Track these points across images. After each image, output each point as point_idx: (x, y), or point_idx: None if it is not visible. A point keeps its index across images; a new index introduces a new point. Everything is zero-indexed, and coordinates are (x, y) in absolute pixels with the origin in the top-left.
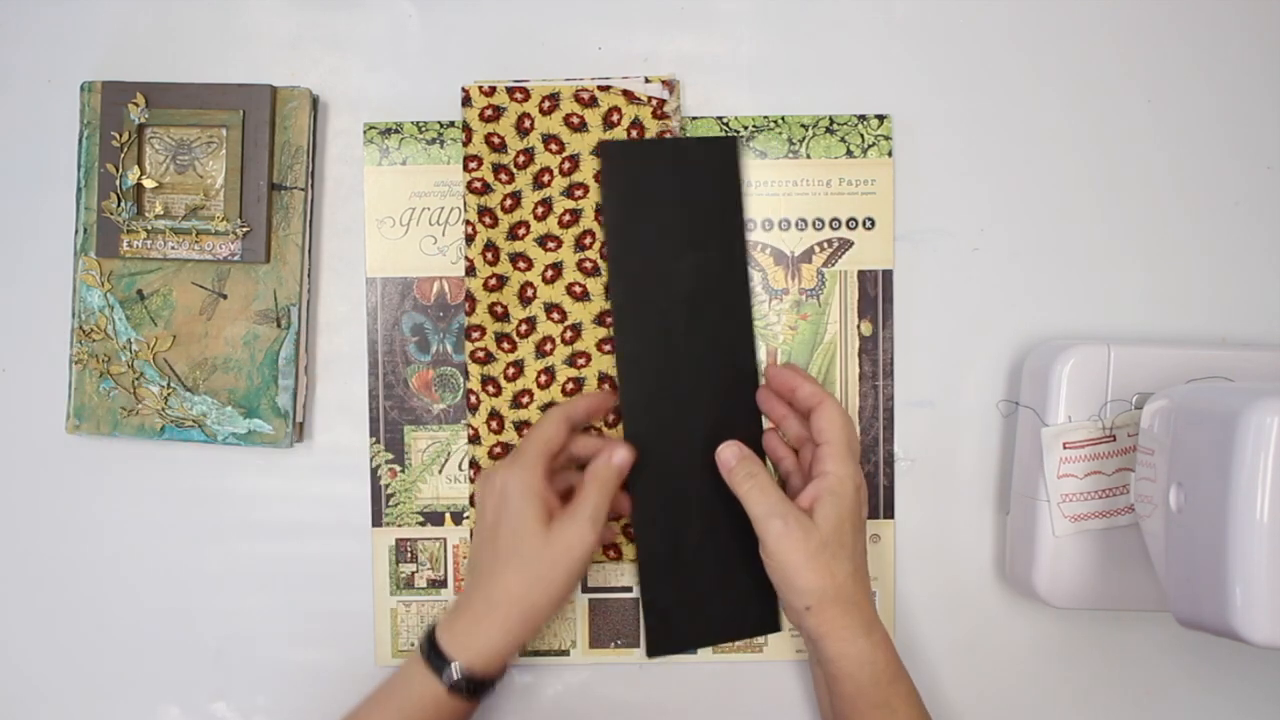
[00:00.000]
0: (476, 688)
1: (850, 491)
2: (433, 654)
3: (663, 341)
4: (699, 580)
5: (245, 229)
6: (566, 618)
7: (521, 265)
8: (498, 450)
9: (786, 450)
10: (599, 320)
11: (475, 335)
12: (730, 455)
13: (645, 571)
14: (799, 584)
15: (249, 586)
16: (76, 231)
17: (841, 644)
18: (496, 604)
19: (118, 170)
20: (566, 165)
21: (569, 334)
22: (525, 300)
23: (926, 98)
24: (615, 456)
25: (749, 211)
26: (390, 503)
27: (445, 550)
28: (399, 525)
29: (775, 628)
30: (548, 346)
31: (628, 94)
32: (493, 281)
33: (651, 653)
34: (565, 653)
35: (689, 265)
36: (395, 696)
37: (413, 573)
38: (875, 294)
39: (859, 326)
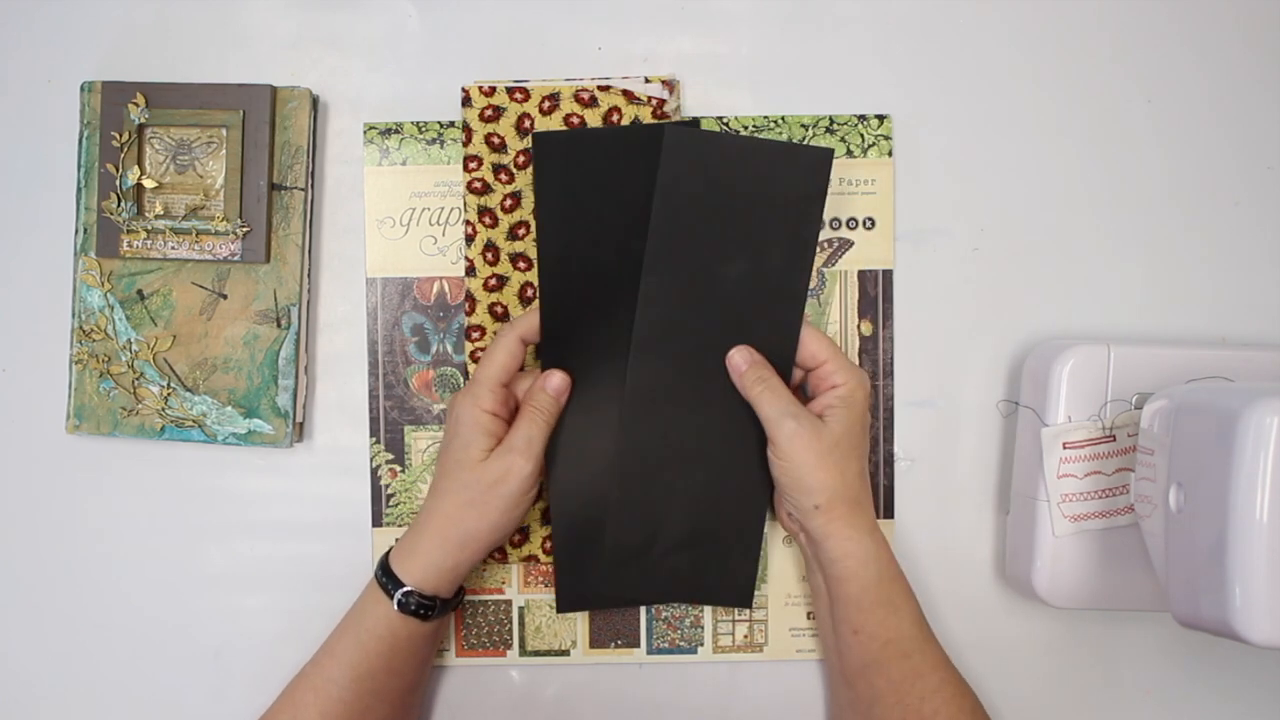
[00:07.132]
0: (422, 607)
1: (862, 398)
2: (384, 575)
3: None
4: (644, 534)
5: (245, 229)
6: (567, 619)
7: (521, 265)
8: None
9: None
10: None
11: (475, 335)
12: (741, 359)
13: (559, 528)
14: (810, 482)
15: (249, 586)
16: (76, 231)
17: (848, 542)
18: (436, 526)
19: (118, 170)
20: None
21: None
22: (525, 300)
23: (926, 98)
24: (549, 384)
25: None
26: (390, 503)
27: None
28: (399, 525)
29: (746, 603)
30: None
31: (628, 94)
32: (493, 281)
33: (561, 608)
34: (565, 653)
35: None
36: (353, 620)
37: None
38: (875, 294)
39: (859, 326)
